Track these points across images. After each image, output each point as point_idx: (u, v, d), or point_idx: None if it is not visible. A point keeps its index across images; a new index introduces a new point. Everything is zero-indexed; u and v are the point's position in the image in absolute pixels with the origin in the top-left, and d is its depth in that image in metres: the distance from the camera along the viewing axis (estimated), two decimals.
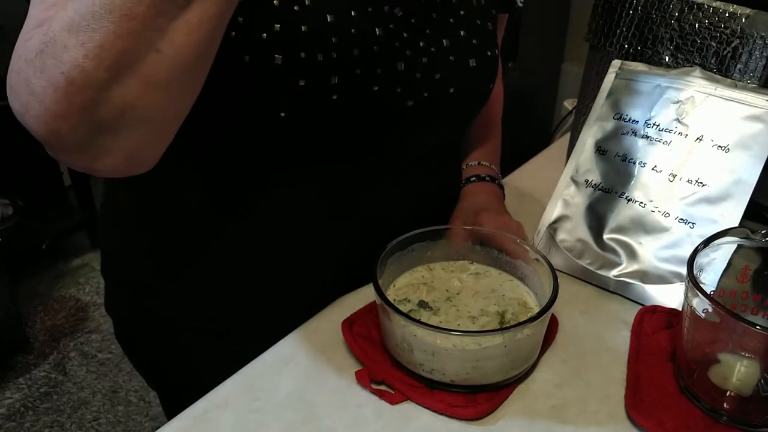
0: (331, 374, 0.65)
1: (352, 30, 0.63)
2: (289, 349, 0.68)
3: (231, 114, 0.64)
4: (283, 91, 0.62)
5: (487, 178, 0.86)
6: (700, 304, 0.58)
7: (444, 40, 0.70)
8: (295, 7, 0.61)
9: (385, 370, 0.64)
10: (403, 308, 0.65)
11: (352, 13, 0.63)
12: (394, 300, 0.68)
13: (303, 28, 0.61)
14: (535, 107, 2.50)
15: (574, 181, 0.82)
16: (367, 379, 0.63)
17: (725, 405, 0.60)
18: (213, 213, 0.71)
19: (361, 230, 0.73)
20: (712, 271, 0.65)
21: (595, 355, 0.68)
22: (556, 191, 0.83)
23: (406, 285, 0.71)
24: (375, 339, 0.67)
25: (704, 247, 0.63)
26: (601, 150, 0.81)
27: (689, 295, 0.59)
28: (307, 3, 0.61)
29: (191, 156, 0.69)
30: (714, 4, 0.79)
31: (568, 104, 1.94)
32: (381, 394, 0.62)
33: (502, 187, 0.88)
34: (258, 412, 0.61)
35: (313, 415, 0.61)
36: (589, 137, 0.82)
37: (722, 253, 0.65)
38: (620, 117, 0.81)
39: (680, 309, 0.66)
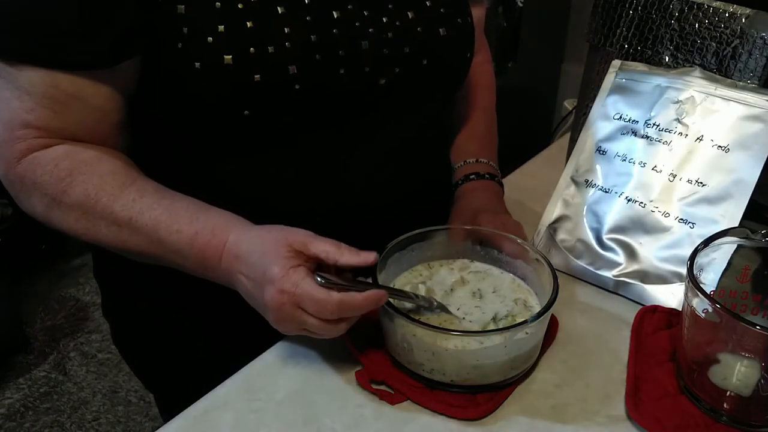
0: (331, 374, 0.65)
1: (308, 18, 0.63)
2: (289, 349, 0.68)
3: (195, 120, 0.65)
4: (240, 89, 0.62)
5: (486, 176, 0.85)
6: (700, 304, 0.58)
7: (408, 13, 0.69)
8: (239, 5, 0.61)
9: (385, 370, 0.64)
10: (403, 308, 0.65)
11: (306, 1, 0.63)
12: (394, 300, 0.67)
13: (248, 24, 0.61)
14: (535, 107, 2.50)
15: (574, 181, 0.82)
16: (367, 379, 0.63)
17: (725, 405, 0.60)
18: None
19: (348, 219, 0.72)
20: (712, 271, 0.65)
21: (595, 355, 0.68)
22: (556, 191, 0.83)
23: (405, 284, 0.70)
24: (375, 339, 0.67)
25: (704, 247, 0.63)
26: (601, 150, 0.81)
27: (689, 295, 0.59)
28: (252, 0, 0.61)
29: (161, 159, 0.70)
30: (714, 4, 0.79)
31: (568, 104, 1.94)
32: (381, 394, 0.62)
33: (501, 184, 0.87)
34: (258, 412, 0.61)
35: (313, 415, 0.61)
36: (589, 137, 0.82)
37: (722, 253, 0.65)
38: (620, 117, 0.81)
39: (680, 309, 0.66)
